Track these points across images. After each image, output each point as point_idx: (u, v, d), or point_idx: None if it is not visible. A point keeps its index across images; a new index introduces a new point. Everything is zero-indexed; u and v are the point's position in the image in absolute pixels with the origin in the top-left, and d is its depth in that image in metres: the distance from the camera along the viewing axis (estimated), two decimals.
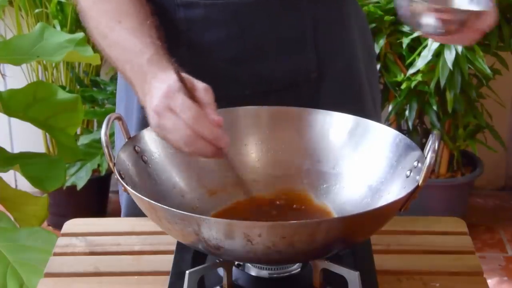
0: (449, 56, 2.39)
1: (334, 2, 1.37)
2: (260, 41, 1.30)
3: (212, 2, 1.28)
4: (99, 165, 2.58)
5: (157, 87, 1.07)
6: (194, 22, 1.29)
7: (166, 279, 1.11)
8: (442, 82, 2.41)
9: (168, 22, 1.28)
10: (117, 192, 2.95)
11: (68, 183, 2.55)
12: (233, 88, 1.30)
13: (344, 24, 1.39)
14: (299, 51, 1.33)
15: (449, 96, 2.48)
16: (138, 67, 1.13)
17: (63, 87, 2.56)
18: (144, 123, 1.17)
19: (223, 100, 1.24)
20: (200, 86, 1.06)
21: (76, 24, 2.60)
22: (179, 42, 1.30)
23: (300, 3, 1.31)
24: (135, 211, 1.18)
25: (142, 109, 1.29)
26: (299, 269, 1.09)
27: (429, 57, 2.43)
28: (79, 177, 2.56)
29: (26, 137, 2.85)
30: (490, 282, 2.49)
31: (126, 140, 1.13)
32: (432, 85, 2.49)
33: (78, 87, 2.68)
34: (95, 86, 2.69)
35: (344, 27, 1.39)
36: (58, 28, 2.50)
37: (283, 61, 1.32)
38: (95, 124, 2.79)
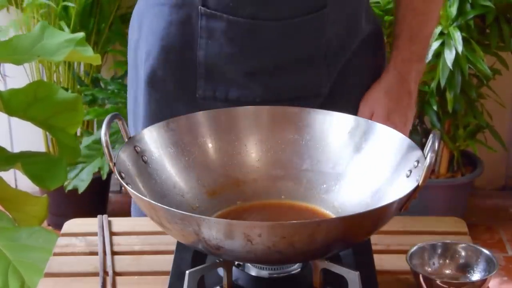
0: (449, 56, 2.39)
1: (352, 22, 1.37)
2: (275, 58, 1.33)
3: (234, 18, 1.29)
4: (100, 168, 2.57)
5: None
6: (214, 33, 1.31)
7: (166, 279, 1.11)
8: (442, 82, 2.41)
9: (190, 26, 1.31)
10: (117, 192, 2.95)
11: (69, 187, 2.55)
12: (244, 95, 1.34)
13: (357, 39, 1.39)
14: (311, 68, 1.35)
15: (449, 96, 2.48)
16: None
17: (66, 89, 2.55)
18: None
19: (234, 102, 1.27)
20: None
21: (80, 24, 2.61)
22: (197, 46, 1.32)
23: (319, 25, 1.32)
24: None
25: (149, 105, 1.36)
26: (299, 269, 1.09)
27: (429, 57, 2.42)
28: (81, 180, 2.56)
29: (26, 137, 2.84)
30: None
31: (126, 140, 1.13)
32: (432, 85, 2.49)
33: (78, 86, 2.68)
34: (96, 85, 2.69)
35: (357, 43, 1.39)
36: (66, 29, 2.49)
37: (294, 76, 1.34)
38: (95, 125, 2.79)
